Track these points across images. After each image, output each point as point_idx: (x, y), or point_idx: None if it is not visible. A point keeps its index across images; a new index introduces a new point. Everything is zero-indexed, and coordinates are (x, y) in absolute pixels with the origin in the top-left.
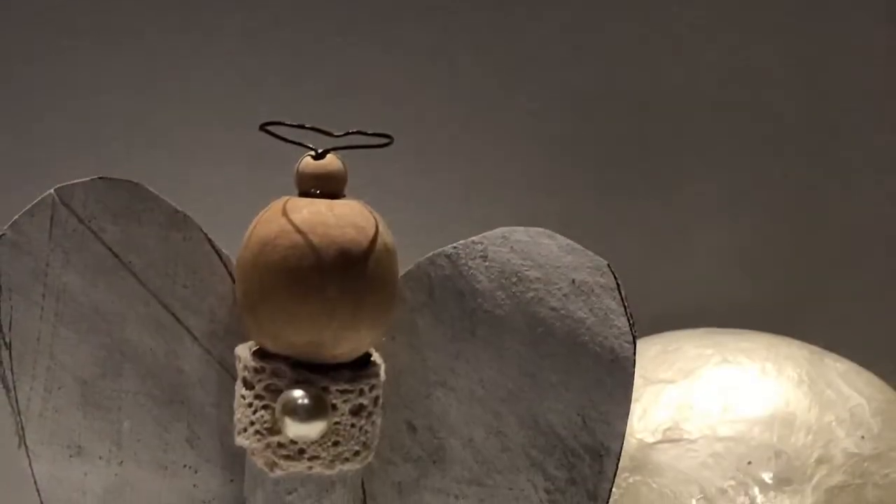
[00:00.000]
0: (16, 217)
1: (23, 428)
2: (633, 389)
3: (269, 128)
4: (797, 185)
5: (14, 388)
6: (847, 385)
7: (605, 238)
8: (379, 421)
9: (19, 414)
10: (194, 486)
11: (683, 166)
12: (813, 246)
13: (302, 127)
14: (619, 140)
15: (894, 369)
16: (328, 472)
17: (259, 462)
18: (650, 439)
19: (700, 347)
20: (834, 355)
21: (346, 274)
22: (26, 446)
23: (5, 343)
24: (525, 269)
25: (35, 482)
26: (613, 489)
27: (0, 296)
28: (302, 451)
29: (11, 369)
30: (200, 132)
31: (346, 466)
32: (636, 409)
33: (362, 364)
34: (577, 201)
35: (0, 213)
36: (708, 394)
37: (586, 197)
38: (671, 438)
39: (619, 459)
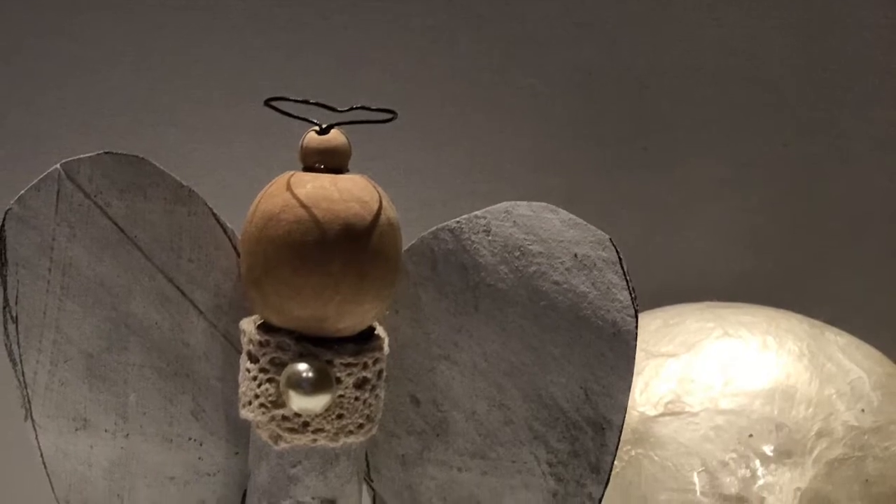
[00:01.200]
0: (22, 192)
1: (29, 401)
2: (635, 363)
3: (274, 103)
4: (797, 161)
5: (20, 361)
6: (847, 359)
7: (607, 213)
8: (382, 394)
9: (26, 387)
10: (199, 458)
11: (684, 142)
12: (813, 221)
13: (306, 102)
14: (620, 116)
15: (894, 343)
16: (332, 444)
17: (263, 435)
18: (652, 412)
19: (701, 321)
20: (835, 329)
21: (350, 248)
22: (33, 419)
23: (12, 317)
24: (528, 243)
25: (41, 455)
26: (615, 462)
27: (6, 270)
28: (306, 424)
29: (18, 343)
30: (205, 107)
31: (350, 439)
32: (638, 382)
33: (366, 338)
34: (579, 177)
35: (7, 187)
36: (709, 367)
37: (588, 173)
38: (673, 411)
39: (621, 432)
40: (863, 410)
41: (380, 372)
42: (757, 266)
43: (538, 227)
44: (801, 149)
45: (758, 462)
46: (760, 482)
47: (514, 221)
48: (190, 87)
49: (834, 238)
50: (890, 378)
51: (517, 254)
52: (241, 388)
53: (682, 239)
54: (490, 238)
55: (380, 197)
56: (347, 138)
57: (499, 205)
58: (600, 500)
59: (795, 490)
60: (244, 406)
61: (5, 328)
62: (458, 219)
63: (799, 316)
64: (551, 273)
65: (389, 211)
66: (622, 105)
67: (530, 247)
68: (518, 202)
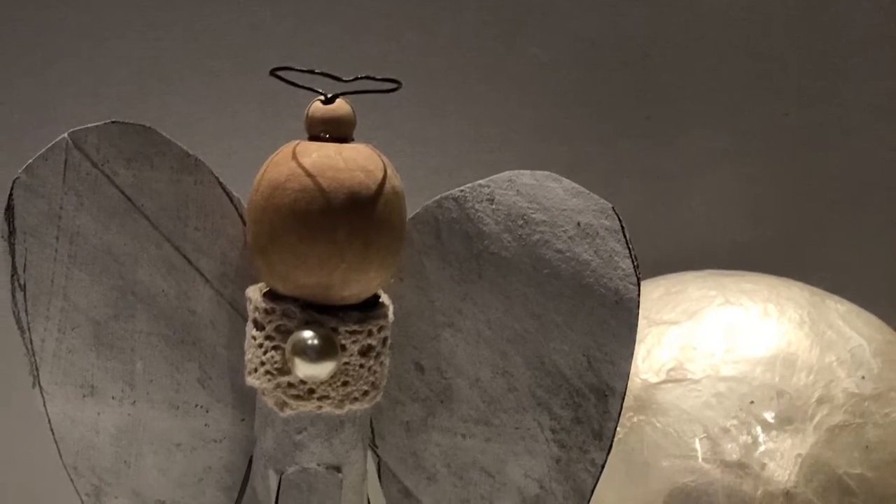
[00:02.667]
0: (30, 160)
1: (37, 368)
2: (638, 330)
3: (280, 73)
4: (798, 130)
5: (28, 328)
6: (848, 326)
7: (609, 183)
8: (387, 361)
9: (33, 354)
10: (206, 425)
11: (686, 112)
12: (814, 190)
13: (311, 72)
14: (623, 86)
15: (894, 310)
16: (337, 411)
17: (269, 402)
18: (654, 379)
19: (703, 289)
20: (835, 297)
21: (355, 217)
22: (40, 386)
23: (20, 285)
24: (531, 211)
25: (49, 422)
26: (618, 428)
27: (15, 238)
28: (311, 391)
29: (26, 310)
30: (212, 77)
31: (355, 406)
32: (640, 349)
33: (371, 305)
34: (582, 146)
35: (15, 156)
36: (711, 335)
37: (591, 142)
38: (675, 378)
39: (623, 399)
40: (863, 377)
41: (384, 339)
42: (758, 235)
43: (541, 195)
44: (802, 118)
45: (759, 428)
46: (761, 448)
47: (518, 190)
48: (196, 57)
49: (834, 207)
50: (890, 345)
51: (520, 222)
52: (247, 356)
53: (684, 207)
54: (494, 207)
55: (384, 166)
56: (352, 108)
57: (502, 174)
58: (603, 467)
59: (796, 456)
60: (250, 373)
61: (13, 296)
62: (462, 188)
63: (800, 284)
64: (554, 241)
65: (394, 180)
66: (625, 75)
67: (534, 215)
68: (521, 171)
